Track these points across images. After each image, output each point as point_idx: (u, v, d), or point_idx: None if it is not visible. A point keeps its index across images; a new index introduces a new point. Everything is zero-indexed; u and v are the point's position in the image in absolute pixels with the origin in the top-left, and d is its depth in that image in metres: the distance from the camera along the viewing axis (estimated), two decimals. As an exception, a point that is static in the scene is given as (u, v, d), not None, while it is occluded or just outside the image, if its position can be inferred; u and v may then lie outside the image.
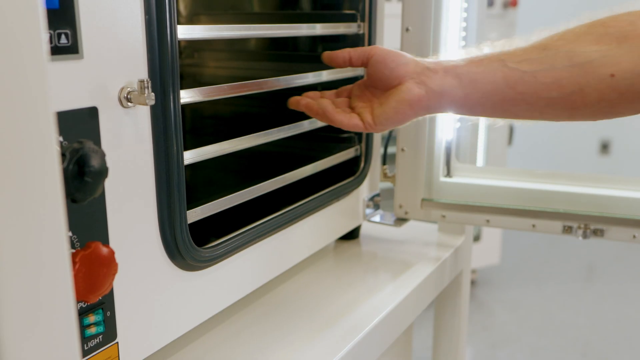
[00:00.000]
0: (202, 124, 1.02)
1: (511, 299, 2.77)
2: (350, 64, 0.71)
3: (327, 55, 0.72)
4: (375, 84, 0.70)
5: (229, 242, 0.66)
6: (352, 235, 0.98)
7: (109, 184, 0.51)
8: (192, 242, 0.61)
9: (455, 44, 0.92)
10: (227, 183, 0.85)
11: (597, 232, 0.86)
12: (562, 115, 0.65)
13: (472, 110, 0.66)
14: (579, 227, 0.86)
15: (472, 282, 2.89)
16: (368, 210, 0.97)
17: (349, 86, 0.74)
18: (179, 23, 0.56)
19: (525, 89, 0.63)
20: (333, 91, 0.75)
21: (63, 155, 0.42)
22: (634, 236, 0.85)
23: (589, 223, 0.86)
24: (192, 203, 0.63)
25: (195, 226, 0.63)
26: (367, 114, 0.68)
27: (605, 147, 3.80)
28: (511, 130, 2.57)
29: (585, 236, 0.86)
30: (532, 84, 0.63)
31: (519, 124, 0.72)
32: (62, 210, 0.34)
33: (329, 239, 0.89)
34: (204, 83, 1.04)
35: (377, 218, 0.98)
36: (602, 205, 0.86)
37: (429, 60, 0.68)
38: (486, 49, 0.68)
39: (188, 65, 1.03)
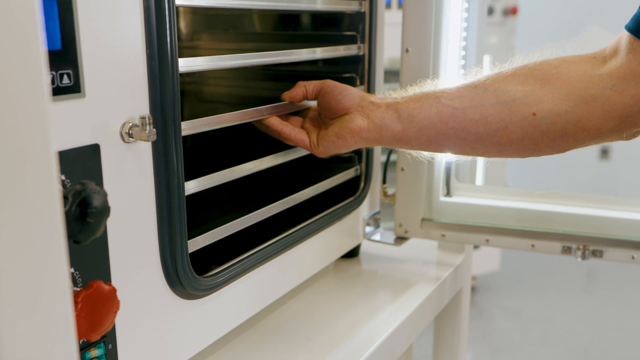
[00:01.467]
0: (203, 136, 1.02)
1: (511, 306, 2.77)
2: (307, 96, 0.76)
3: (287, 97, 0.76)
4: (325, 112, 0.75)
5: (230, 269, 0.66)
6: (352, 253, 0.98)
7: (111, 220, 0.51)
8: (193, 271, 0.61)
9: (455, 61, 0.92)
10: (225, 200, 0.85)
11: (596, 253, 0.86)
12: (491, 151, 0.69)
13: (409, 143, 0.71)
14: (578, 248, 0.86)
15: (472, 289, 2.89)
16: (368, 229, 0.98)
17: (306, 108, 0.79)
18: (179, 39, 0.56)
19: (456, 125, 0.68)
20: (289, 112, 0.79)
21: (65, 197, 0.43)
22: (633, 257, 0.85)
23: (588, 244, 0.86)
24: (192, 230, 0.63)
25: (195, 252, 0.63)
26: (314, 135, 0.74)
27: (605, 152, 3.80)
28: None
29: (584, 257, 0.86)
30: (462, 120, 0.67)
31: None
32: (64, 253, 0.34)
33: (329, 260, 0.90)
34: (204, 100, 1.04)
35: (377, 237, 0.98)
36: (601, 226, 0.86)
37: (375, 96, 0.74)
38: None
39: (189, 82, 1.03)
